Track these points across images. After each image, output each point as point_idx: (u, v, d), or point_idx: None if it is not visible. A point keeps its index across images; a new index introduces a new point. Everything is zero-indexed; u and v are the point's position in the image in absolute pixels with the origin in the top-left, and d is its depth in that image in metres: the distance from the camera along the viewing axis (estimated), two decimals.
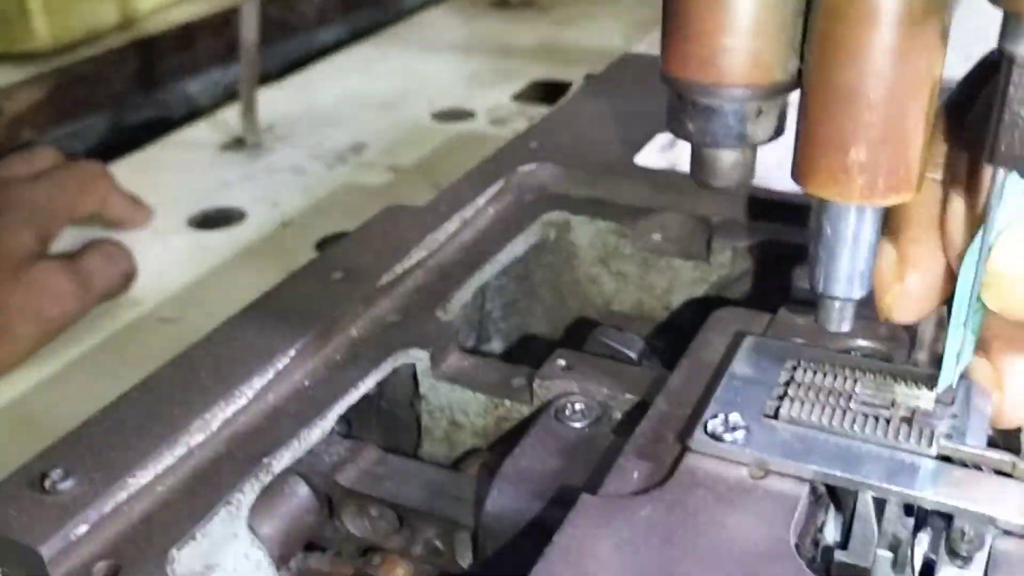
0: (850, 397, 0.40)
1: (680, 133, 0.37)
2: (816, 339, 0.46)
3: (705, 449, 0.39)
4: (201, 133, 1.17)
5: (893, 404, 0.39)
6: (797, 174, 0.35)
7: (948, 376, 0.38)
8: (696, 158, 0.37)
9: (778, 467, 0.38)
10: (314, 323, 0.50)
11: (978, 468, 0.37)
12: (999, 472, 0.37)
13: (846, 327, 0.38)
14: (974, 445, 0.37)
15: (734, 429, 0.39)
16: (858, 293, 0.37)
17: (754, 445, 0.38)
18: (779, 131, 0.36)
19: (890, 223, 0.39)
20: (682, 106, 0.36)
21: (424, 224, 0.59)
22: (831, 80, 0.33)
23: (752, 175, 0.38)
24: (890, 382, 0.40)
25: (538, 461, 0.43)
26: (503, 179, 0.64)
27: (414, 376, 0.51)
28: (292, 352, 0.48)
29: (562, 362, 0.49)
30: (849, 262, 0.36)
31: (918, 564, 0.37)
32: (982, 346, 0.41)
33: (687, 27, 0.34)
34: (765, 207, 0.60)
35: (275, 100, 1.24)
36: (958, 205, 0.37)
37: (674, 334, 0.58)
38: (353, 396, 0.48)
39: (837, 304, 0.37)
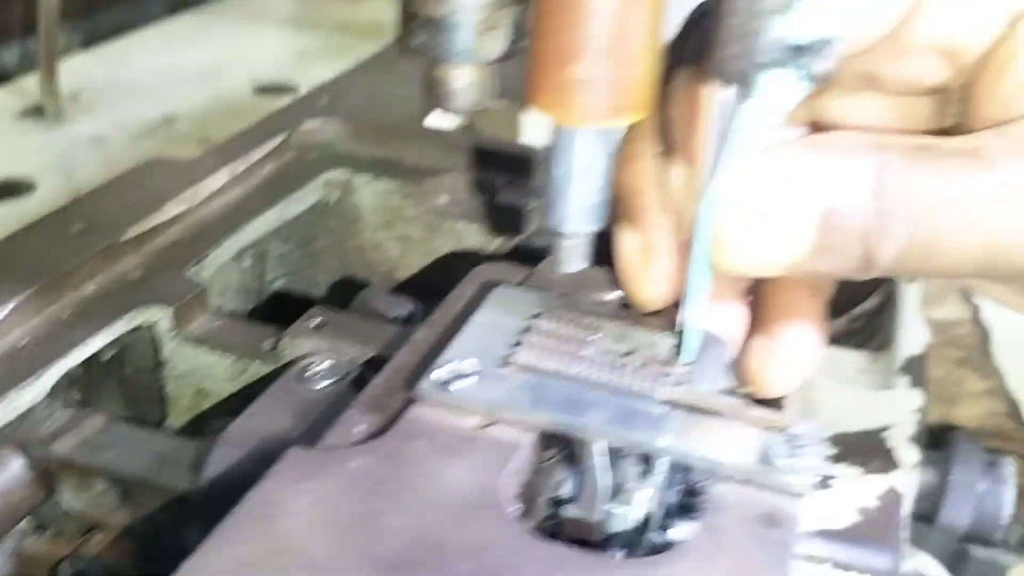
0: (588, 345, 0.38)
1: (409, 49, 0.34)
2: (575, 290, 0.44)
3: (430, 399, 0.36)
4: None
5: (630, 353, 0.38)
6: (527, 93, 0.33)
7: (690, 349, 0.37)
8: (429, 79, 0.35)
9: (504, 415, 0.35)
10: (39, 277, 0.45)
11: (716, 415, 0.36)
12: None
13: (580, 265, 0.36)
14: (704, 392, 0.36)
15: (462, 377, 0.36)
16: (586, 227, 0.35)
17: (481, 393, 0.36)
18: (513, 49, 0.34)
19: (629, 211, 0.38)
20: (411, 18, 0.34)
21: (186, 177, 0.55)
22: None
23: (487, 98, 0.36)
24: (632, 332, 0.39)
25: (269, 422, 0.40)
26: (283, 134, 0.61)
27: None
28: (8, 307, 0.44)
29: (314, 321, 0.46)
30: (577, 194, 0.34)
31: (640, 515, 0.35)
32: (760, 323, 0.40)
33: None
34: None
35: (85, 69, 1.17)
36: (677, 172, 0.36)
37: None
38: (76, 357, 0.43)
39: (568, 241, 0.35)
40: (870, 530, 0.51)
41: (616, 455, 0.36)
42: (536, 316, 0.40)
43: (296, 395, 0.42)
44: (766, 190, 0.34)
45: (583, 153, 0.33)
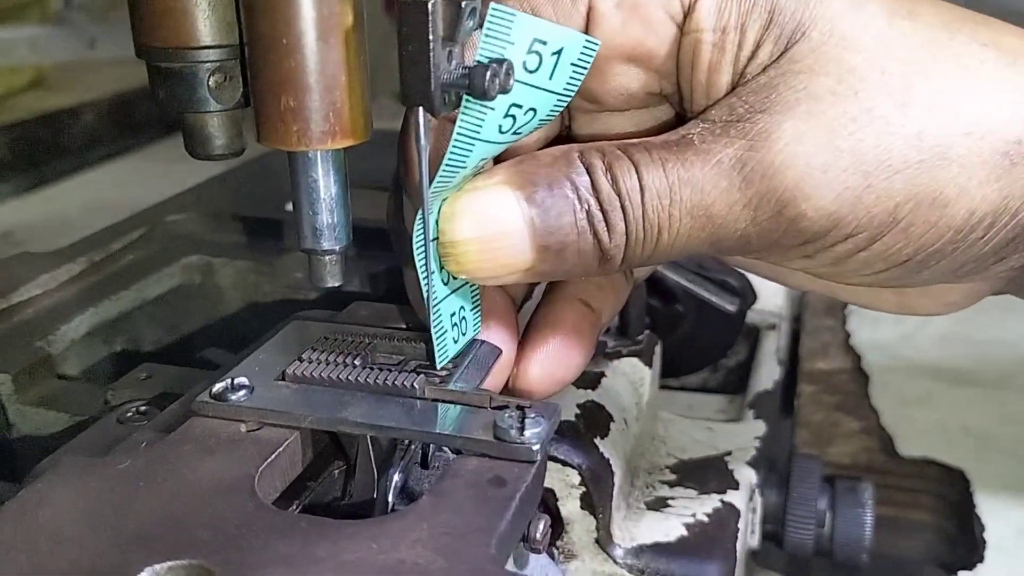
0: (361, 358, 0.41)
1: (158, 104, 0.39)
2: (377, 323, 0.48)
3: (206, 410, 0.39)
4: None
5: (402, 362, 0.41)
6: (257, 133, 0.37)
7: (442, 354, 0.40)
8: (184, 129, 0.39)
9: (272, 419, 0.39)
10: None
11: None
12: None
13: (335, 281, 0.40)
14: (459, 389, 0.39)
15: (238, 390, 0.39)
16: (332, 244, 0.39)
17: (253, 401, 0.39)
18: (247, 96, 0.39)
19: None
20: (154, 76, 0.38)
21: (46, 266, 0.59)
22: (255, 30, 0.35)
23: (243, 143, 0.40)
24: (407, 346, 0.42)
25: (80, 453, 0.43)
26: (145, 227, 0.65)
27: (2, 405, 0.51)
28: None
29: (142, 374, 0.49)
30: (316, 214, 0.38)
31: (392, 493, 0.38)
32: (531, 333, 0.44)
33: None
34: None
35: (25, 209, 1.23)
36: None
37: None
38: None
39: (317, 258, 0.39)
40: (699, 543, 0.54)
41: (379, 445, 0.39)
42: (324, 339, 0.43)
43: (105, 432, 0.45)
44: (475, 211, 0.37)
45: (311, 175, 0.37)
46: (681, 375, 0.80)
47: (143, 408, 0.46)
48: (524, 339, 0.46)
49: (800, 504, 0.59)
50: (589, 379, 0.58)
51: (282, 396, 0.39)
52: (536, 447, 0.36)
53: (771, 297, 0.80)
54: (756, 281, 0.77)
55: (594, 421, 0.55)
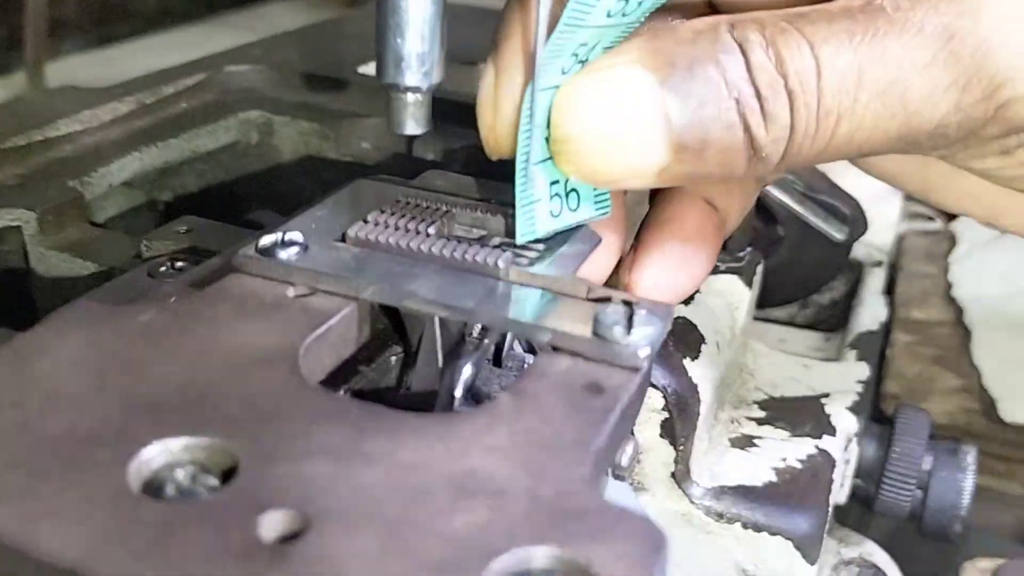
0: (437, 227, 0.34)
1: None
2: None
3: (249, 267, 0.33)
4: None
5: (484, 236, 0.34)
6: None
7: (526, 229, 0.33)
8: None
9: (327, 284, 0.32)
10: None
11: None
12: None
13: (419, 127, 0.33)
14: (552, 274, 0.32)
15: (289, 246, 0.33)
16: (417, 81, 0.32)
17: (305, 262, 0.33)
18: None
19: (494, 43, 0.34)
20: None
21: (90, 101, 0.53)
22: None
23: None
24: (490, 219, 0.35)
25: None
26: (204, 74, 0.59)
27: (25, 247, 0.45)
28: None
29: (181, 227, 0.43)
30: (403, 42, 0.31)
31: (460, 388, 0.31)
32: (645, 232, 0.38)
33: None
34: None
35: (81, 67, 1.18)
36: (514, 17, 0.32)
37: None
38: None
39: (400, 97, 0.32)
40: (788, 491, 0.47)
41: (447, 331, 0.32)
42: (395, 202, 0.37)
43: (138, 286, 0.39)
44: (599, 96, 0.30)
45: None
46: (772, 305, 0.72)
47: (179, 264, 0.40)
48: (638, 240, 0.39)
49: (902, 461, 0.52)
50: None
51: (341, 259, 0.33)
52: (644, 351, 0.29)
53: (880, 232, 0.72)
54: (868, 211, 0.69)
55: (685, 340, 0.48)
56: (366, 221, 0.35)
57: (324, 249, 0.33)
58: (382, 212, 0.35)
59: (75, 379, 0.27)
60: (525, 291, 0.32)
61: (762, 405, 0.53)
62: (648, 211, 0.40)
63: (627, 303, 0.30)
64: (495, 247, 0.33)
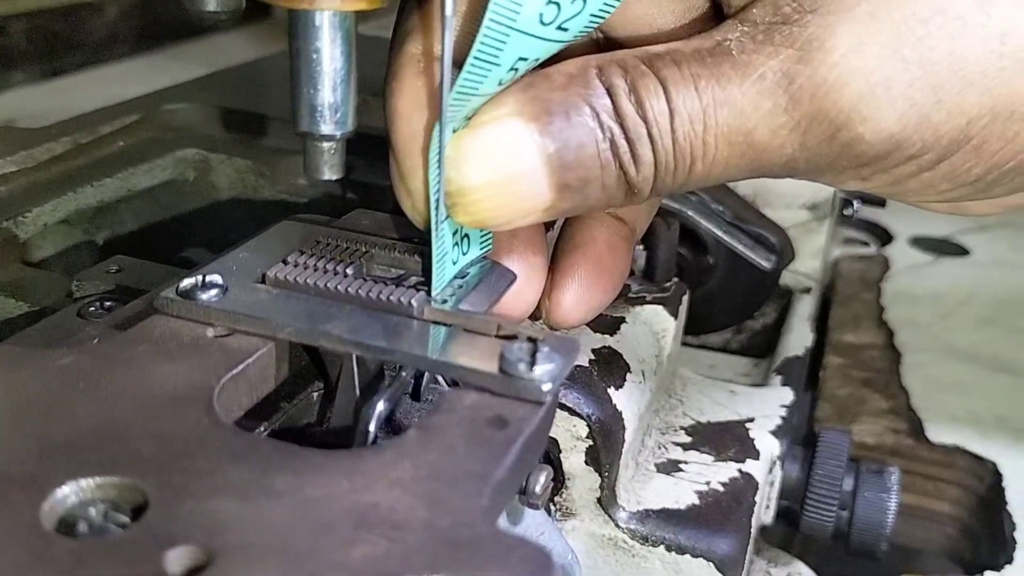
0: (355, 267, 0.36)
1: None
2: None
3: (170, 308, 0.34)
4: None
5: (399, 277, 0.36)
6: None
7: (440, 282, 0.34)
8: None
9: (245, 325, 0.33)
10: None
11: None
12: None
13: (334, 173, 0.34)
14: (465, 311, 0.34)
15: (209, 288, 0.34)
16: (335, 128, 0.33)
17: (224, 303, 0.34)
18: None
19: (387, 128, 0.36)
20: None
21: (27, 142, 0.54)
22: None
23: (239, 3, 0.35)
24: (407, 259, 0.37)
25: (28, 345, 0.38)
26: (139, 113, 0.60)
27: None
28: None
29: (112, 267, 0.44)
30: (319, 90, 0.32)
31: (373, 424, 0.32)
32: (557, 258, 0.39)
33: None
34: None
35: (32, 99, 1.18)
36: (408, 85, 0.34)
37: None
38: None
39: (314, 144, 0.33)
40: (711, 514, 0.49)
41: (365, 367, 0.33)
42: (316, 243, 0.38)
43: (67, 327, 0.39)
44: (484, 151, 0.32)
45: (314, 42, 0.32)
46: (704, 332, 0.74)
47: (108, 303, 0.41)
48: (554, 264, 0.41)
49: (824, 483, 0.54)
50: (608, 324, 0.52)
51: (259, 300, 0.34)
52: (547, 386, 0.30)
53: (808, 259, 0.74)
54: (794, 238, 0.72)
55: (609, 370, 0.49)
56: (285, 262, 0.36)
57: (244, 291, 0.34)
58: (302, 253, 0.36)
59: None
60: (437, 329, 0.33)
61: (689, 430, 0.55)
62: (559, 234, 0.42)
63: (532, 340, 0.32)
64: (411, 287, 0.35)
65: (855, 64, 0.30)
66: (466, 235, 0.36)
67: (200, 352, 0.32)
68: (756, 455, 0.53)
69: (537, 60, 0.32)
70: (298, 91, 0.32)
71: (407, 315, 0.33)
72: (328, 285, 0.34)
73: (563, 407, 0.46)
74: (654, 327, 0.55)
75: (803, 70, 0.30)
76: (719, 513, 0.49)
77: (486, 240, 0.37)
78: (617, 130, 0.32)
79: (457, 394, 0.31)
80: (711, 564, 0.47)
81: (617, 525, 0.48)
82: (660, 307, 0.55)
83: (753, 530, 0.49)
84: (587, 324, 0.52)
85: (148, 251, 0.57)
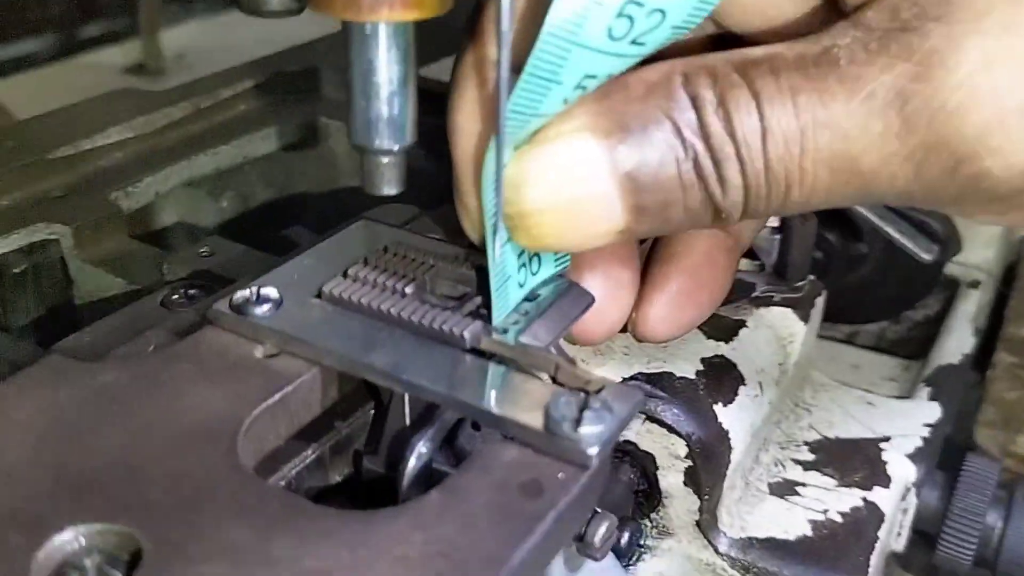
0: (417, 284, 0.33)
1: None
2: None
3: (223, 322, 0.32)
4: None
5: (464, 296, 0.33)
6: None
7: (501, 309, 0.31)
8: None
9: (293, 347, 0.31)
10: None
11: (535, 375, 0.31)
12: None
13: (391, 188, 0.32)
14: (522, 345, 0.31)
15: (263, 303, 0.32)
16: (391, 142, 0.30)
17: (274, 321, 0.32)
18: None
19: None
20: None
21: (144, 106, 0.54)
22: None
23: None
24: (476, 274, 0.34)
25: (105, 338, 0.38)
26: (263, 76, 0.59)
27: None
28: None
29: (203, 249, 0.44)
30: (374, 102, 0.30)
31: (407, 478, 0.30)
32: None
33: None
34: None
35: (199, 33, 1.21)
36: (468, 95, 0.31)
37: None
38: None
39: (374, 159, 0.31)
40: (824, 548, 0.44)
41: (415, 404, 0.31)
42: (383, 252, 0.35)
43: (147, 316, 0.39)
44: (549, 172, 0.29)
45: (368, 54, 0.29)
46: (854, 323, 0.68)
47: (192, 292, 0.40)
48: (644, 276, 0.37)
49: (963, 518, 0.48)
50: (724, 329, 0.48)
51: (311, 319, 0.32)
52: (593, 450, 0.27)
53: (980, 248, 0.66)
54: (963, 226, 0.64)
55: (719, 383, 0.45)
56: (346, 275, 0.34)
57: (298, 306, 0.33)
58: (365, 264, 0.34)
59: (16, 447, 0.27)
60: (489, 367, 0.30)
61: (813, 447, 0.50)
62: (654, 241, 0.38)
63: (584, 392, 0.29)
64: (469, 313, 0.32)
65: (983, 85, 0.25)
66: (536, 254, 0.33)
67: (242, 375, 0.31)
68: (887, 482, 0.48)
69: (610, 76, 0.28)
70: (354, 102, 0.30)
71: (460, 347, 0.31)
72: (382, 307, 0.32)
73: (661, 423, 0.43)
74: (780, 332, 0.50)
75: (920, 89, 0.26)
76: (833, 548, 0.44)
77: (562, 258, 0.34)
78: (701, 148, 0.28)
79: (496, 450, 0.28)
80: None
81: (717, 551, 0.44)
82: (789, 310, 0.50)
83: (872, 568, 0.45)
84: (700, 327, 0.47)
85: (258, 225, 0.56)
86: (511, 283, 0.32)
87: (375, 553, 0.24)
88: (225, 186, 0.55)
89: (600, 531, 0.32)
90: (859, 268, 0.63)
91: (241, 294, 0.33)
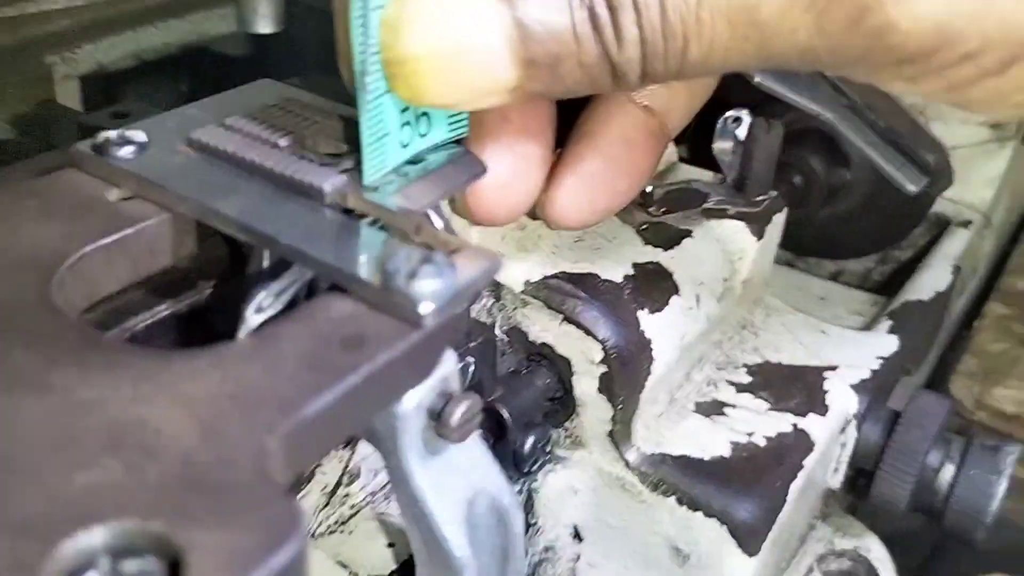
0: (294, 138, 0.31)
1: None
2: None
3: (81, 162, 0.31)
4: None
5: (339, 155, 0.31)
6: None
7: (374, 167, 0.29)
8: None
9: (146, 191, 0.30)
10: None
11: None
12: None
13: (266, 26, 0.30)
14: (390, 203, 0.29)
15: (126, 144, 0.31)
16: None
17: (133, 164, 0.30)
18: None
19: None
20: None
21: None
22: None
23: None
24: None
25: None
26: None
27: None
28: None
29: (119, 108, 0.42)
30: None
31: (246, 323, 0.28)
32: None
33: None
34: None
35: None
36: None
37: None
38: None
39: None
40: (739, 471, 0.42)
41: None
42: (270, 107, 0.33)
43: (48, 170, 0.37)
44: (431, 12, 0.26)
45: None
46: (837, 257, 0.65)
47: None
48: (559, 154, 0.35)
49: (901, 455, 0.46)
50: (666, 237, 0.46)
51: (172, 164, 0.30)
52: (426, 306, 0.25)
53: (979, 187, 0.63)
54: (960, 163, 0.60)
55: (648, 290, 0.43)
56: (224, 125, 0.32)
57: (164, 152, 0.31)
58: (248, 117, 0.32)
59: None
60: (347, 223, 0.28)
61: (751, 370, 0.48)
62: (571, 122, 0.36)
63: (428, 247, 0.26)
64: (345, 170, 0.30)
65: None
66: (425, 113, 0.30)
67: (85, 215, 0.29)
68: (824, 411, 0.46)
69: None
70: None
71: (318, 200, 0.29)
72: (246, 156, 0.30)
73: (577, 324, 0.41)
74: (729, 246, 0.47)
75: None
76: (751, 471, 0.42)
77: (458, 121, 0.32)
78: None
79: (329, 300, 0.26)
80: (724, 528, 0.41)
81: (627, 464, 0.42)
82: (742, 223, 0.48)
83: (793, 497, 0.42)
84: (639, 234, 0.45)
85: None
86: (389, 140, 0.30)
87: (158, 389, 0.23)
88: (181, 67, 0.54)
89: (458, 411, 0.30)
90: (843, 198, 0.60)
91: (105, 135, 0.31)
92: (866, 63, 0.26)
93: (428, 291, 0.25)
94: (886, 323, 0.52)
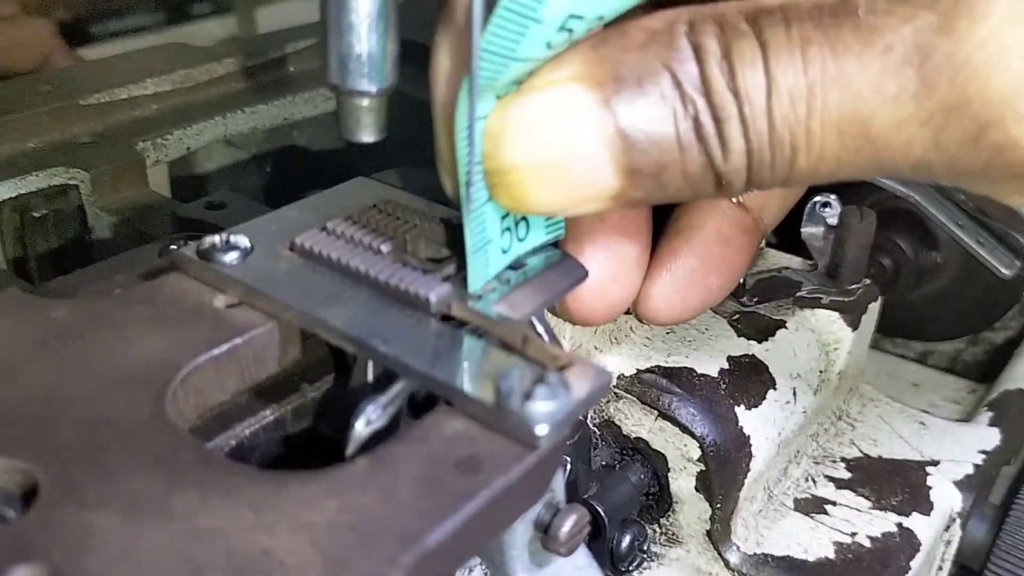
0: (396, 242, 0.31)
1: None
2: None
3: (186, 267, 0.31)
4: None
5: (444, 260, 0.30)
6: None
7: (478, 276, 0.29)
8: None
9: (253, 299, 0.30)
10: None
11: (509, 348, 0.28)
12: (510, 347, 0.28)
13: (369, 135, 0.30)
14: (493, 312, 0.28)
15: (230, 250, 0.31)
16: (369, 84, 0.28)
17: (238, 270, 0.30)
18: None
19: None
20: None
21: (189, 61, 0.53)
22: None
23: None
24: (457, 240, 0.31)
25: (96, 281, 0.37)
26: (316, 37, 0.57)
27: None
28: None
29: (214, 200, 0.42)
30: (349, 38, 0.28)
31: (352, 445, 0.27)
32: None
33: None
34: None
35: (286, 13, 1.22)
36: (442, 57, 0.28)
37: None
38: None
39: (350, 101, 0.29)
40: (845, 572, 0.41)
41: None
42: (372, 208, 0.33)
43: (143, 262, 0.38)
44: (532, 125, 0.26)
45: None
46: (926, 339, 0.63)
47: (192, 241, 0.39)
48: (652, 252, 0.34)
49: (1011, 555, 0.44)
50: (760, 327, 0.44)
51: (276, 271, 0.30)
52: (542, 429, 0.24)
53: None
54: None
55: (744, 384, 0.42)
56: (325, 229, 0.32)
57: (267, 257, 0.31)
58: (348, 220, 0.32)
59: None
60: (453, 335, 0.28)
61: (850, 464, 0.46)
62: (665, 219, 0.35)
63: (542, 365, 0.26)
64: (447, 277, 0.29)
65: (1011, 40, 0.22)
66: (523, 218, 0.30)
67: (193, 323, 0.29)
68: (928, 509, 0.44)
69: (601, 19, 0.26)
70: (327, 37, 0.28)
71: (423, 309, 0.28)
72: (351, 263, 0.30)
73: (674, 421, 0.40)
74: (824, 337, 0.46)
75: (941, 44, 0.23)
76: (857, 575, 0.40)
77: (553, 225, 0.31)
78: (702, 105, 0.25)
79: (439, 420, 0.25)
80: None
81: (727, 565, 0.41)
82: (836, 314, 0.46)
83: None
84: (731, 324, 0.44)
85: (300, 187, 0.55)
86: (492, 248, 0.29)
87: (278, 517, 0.22)
88: (268, 147, 0.54)
89: (566, 525, 0.29)
90: (932, 280, 0.59)
91: (209, 240, 0.31)
92: (985, 178, 0.25)
93: (543, 412, 0.24)
94: (986, 414, 0.50)
